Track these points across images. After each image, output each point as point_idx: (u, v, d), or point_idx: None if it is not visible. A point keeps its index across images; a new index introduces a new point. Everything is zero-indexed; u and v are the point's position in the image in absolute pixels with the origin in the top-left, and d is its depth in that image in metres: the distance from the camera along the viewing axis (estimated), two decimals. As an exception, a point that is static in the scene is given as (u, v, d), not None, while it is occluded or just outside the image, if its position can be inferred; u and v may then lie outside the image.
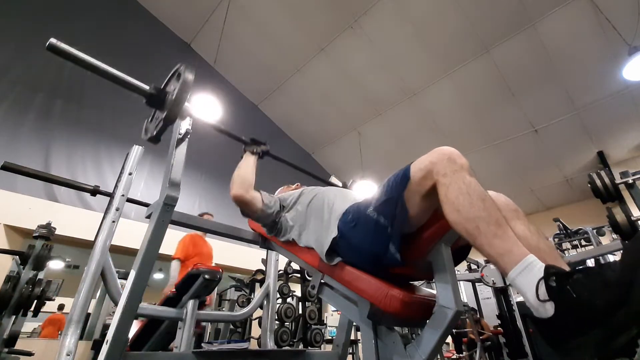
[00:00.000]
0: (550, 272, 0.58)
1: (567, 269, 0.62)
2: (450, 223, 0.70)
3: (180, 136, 1.23)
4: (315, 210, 1.12)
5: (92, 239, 1.44)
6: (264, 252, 2.83)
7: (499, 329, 3.66)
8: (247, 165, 1.29)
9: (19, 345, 2.49)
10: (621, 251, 2.46)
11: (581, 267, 0.60)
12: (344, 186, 2.15)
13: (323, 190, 1.21)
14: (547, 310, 0.57)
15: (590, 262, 3.19)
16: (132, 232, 2.72)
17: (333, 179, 2.23)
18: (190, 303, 1.72)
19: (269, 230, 1.28)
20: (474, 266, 4.03)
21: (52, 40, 0.90)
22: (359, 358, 3.85)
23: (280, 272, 3.46)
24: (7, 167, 1.72)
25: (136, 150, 1.69)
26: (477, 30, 4.70)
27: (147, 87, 1.05)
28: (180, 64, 1.07)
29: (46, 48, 0.89)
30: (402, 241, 0.79)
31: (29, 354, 2.54)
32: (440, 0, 4.51)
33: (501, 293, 3.29)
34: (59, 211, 3.68)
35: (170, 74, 1.11)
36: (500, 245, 0.63)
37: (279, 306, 3.22)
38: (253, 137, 1.45)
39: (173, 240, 3.31)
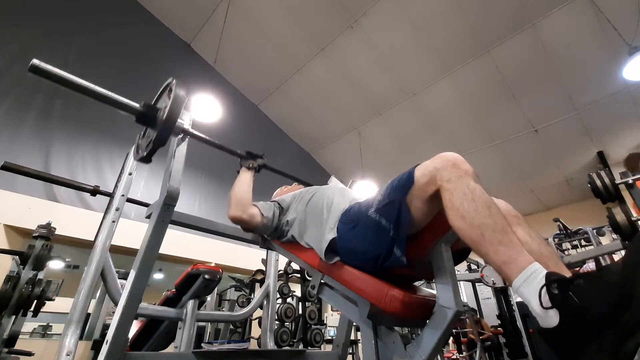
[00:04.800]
0: (552, 279, 0.57)
1: (569, 274, 0.61)
2: (455, 229, 0.70)
3: (181, 136, 1.23)
4: (314, 209, 1.12)
5: (92, 239, 1.44)
6: (264, 252, 2.84)
7: (499, 329, 3.66)
8: (243, 183, 1.28)
9: (19, 345, 2.49)
10: (622, 252, 2.47)
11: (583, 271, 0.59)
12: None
13: (322, 189, 1.21)
14: (552, 318, 0.56)
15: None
16: (132, 232, 2.72)
17: (333, 180, 2.22)
18: (190, 303, 1.72)
19: (270, 235, 1.29)
20: (474, 266, 4.03)
21: (35, 61, 0.85)
22: (359, 358, 3.85)
23: (280, 272, 3.46)
24: (7, 167, 1.72)
25: (136, 150, 1.68)
26: (477, 30, 4.70)
27: (136, 105, 0.98)
28: (171, 79, 1.01)
29: (28, 70, 0.85)
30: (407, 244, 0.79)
31: (29, 354, 2.54)
32: (441, 0, 4.51)
33: (501, 293, 3.29)
34: (59, 211, 3.67)
35: (160, 89, 1.06)
36: (505, 253, 0.63)
37: (279, 306, 3.22)
38: (249, 151, 1.43)
39: (173, 240, 3.31)
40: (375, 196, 0.89)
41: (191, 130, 1.24)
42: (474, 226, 0.66)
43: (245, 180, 1.30)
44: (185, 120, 1.26)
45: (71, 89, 0.93)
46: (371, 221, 0.85)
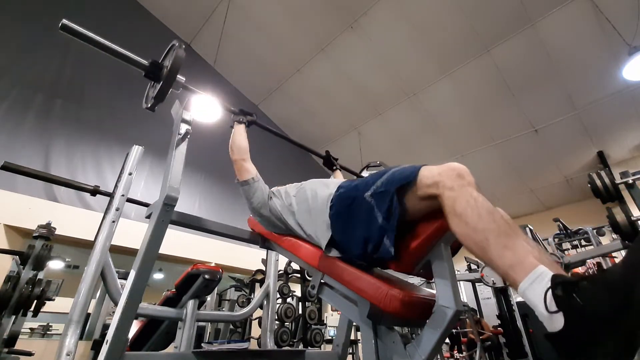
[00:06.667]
0: (557, 282, 0.56)
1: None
2: (458, 236, 0.70)
3: (180, 136, 1.23)
4: (301, 203, 1.16)
5: (92, 239, 1.44)
6: (264, 252, 2.84)
7: (499, 329, 3.66)
8: (239, 134, 1.44)
9: (19, 345, 2.49)
10: (622, 252, 2.47)
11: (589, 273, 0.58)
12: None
13: (307, 184, 1.24)
14: (558, 322, 0.54)
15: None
16: (132, 232, 2.72)
17: (337, 173, 2.21)
18: (190, 303, 1.72)
19: (258, 213, 1.27)
20: (474, 266, 4.03)
21: (64, 21, 1.00)
22: (359, 358, 3.85)
23: (280, 272, 3.46)
24: (7, 167, 1.72)
25: (136, 150, 1.69)
26: (477, 30, 4.69)
27: (145, 62, 1.17)
28: (175, 41, 1.19)
29: (59, 28, 1.00)
30: (397, 237, 0.80)
31: (29, 354, 2.54)
32: (441, 1, 4.51)
33: (501, 293, 3.30)
34: (59, 211, 3.67)
35: (166, 51, 1.23)
36: (511, 257, 0.62)
37: (279, 306, 3.22)
38: (241, 108, 1.62)
39: (173, 240, 3.31)
40: (374, 179, 0.90)
41: (188, 85, 1.34)
42: (478, 231, 0.66)
43: (239, 132, 1.46)
44: (185, 119, 1.29)
45: (94, 46, 1.12)
46: (366, 203, 0.87)
